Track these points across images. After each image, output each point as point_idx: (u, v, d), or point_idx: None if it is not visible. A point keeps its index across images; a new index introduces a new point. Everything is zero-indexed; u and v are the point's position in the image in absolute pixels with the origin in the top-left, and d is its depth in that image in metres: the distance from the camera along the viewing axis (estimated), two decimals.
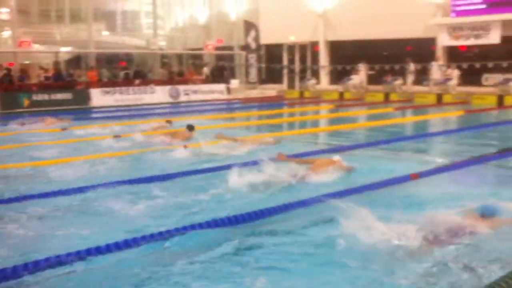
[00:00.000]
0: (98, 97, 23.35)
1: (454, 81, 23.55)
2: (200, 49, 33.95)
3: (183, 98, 25.36)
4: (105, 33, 37.02)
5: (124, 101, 23.58)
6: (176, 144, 11.05)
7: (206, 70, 30.10)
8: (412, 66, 24.92)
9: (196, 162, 9.30)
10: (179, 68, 32.49)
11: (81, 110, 21.29)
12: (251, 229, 5.58)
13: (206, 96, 25.96)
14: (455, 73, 23.58)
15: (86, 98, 23.18)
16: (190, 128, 12.02)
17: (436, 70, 24.41)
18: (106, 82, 25.53)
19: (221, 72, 30.12)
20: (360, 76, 26.71)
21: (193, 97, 25.54)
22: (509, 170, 8.44)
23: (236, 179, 7.31)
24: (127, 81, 25.95)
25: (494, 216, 5.53)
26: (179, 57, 39.15)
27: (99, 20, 35.84)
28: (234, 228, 5.63)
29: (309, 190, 6.95)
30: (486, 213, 5.52)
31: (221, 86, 27.24)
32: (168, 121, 14.44)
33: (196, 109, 20.75)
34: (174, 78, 27.92)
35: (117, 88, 24.20)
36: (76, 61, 32.41)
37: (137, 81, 25.66)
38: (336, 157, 8.20)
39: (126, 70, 28.20)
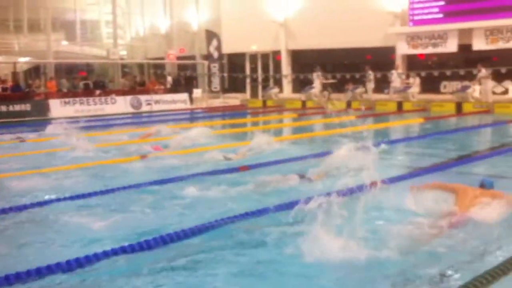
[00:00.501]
0: (58, 108, 22.88)
1: (415, 89, 23.94)
2: (162, 58, 33.74)
3: (145, 108, 25.07)
4: (65, 43, 36.47)
5: (84, 112, 23.13)
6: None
7: (170, 79, 29.94)
8: (371, 75, 25.27)
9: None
10: (141, 77, 32.22)
11: (39, 121, 20.80)
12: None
13: (168, 106, 25.73)
14: (417, 81, 23.98)
15: (45, 109, 22.69)
16: None
17: (395, 78, 24.83)
18: (65, 92, 25.09)
19: (189, 81, 29.94)
20: (316, 84, 27.01)
21: (155, 107, 25.28)
22: (469, 176, 8.57)
23: None
24: (87, 92, 25.54)
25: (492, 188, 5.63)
26: (140, 66, 38.87)
27: (58, 30, 35.33)
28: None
29: None
30: (486, 185, 5.66)
31: (184, 96, 27.06)
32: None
33: (158, 119, 20.51)
34: (135, 88, 27.64)
35: (77, 99, 23.80)
36: (35, 71, 31.82)
37: (97, 92, 25.29)
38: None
39: (86, 80, 27.77)
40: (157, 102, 25.68)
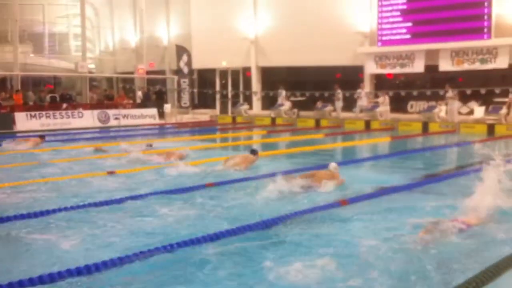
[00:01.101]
0: (23, 121, 22.46)
1: (386, 107, 24.18)
2: (131, 72, 33.49)
3: (112, 122, 24.79)
4: (32, 55, 35.89)
5: (50, 126, 22.75)
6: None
7: (140, 94, 29.68)
8: (340, 93, 25.52)
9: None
10: (109, 91, 31.89)
11: (4, 134, 20.35)
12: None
13: (137, 121, 25.50)
14: (386, 99, 24.24)
15: (10, 122, 22.23)
16: (254, 152, 11.62)
17: (362, 97, 25.11)
18: (31, 105, 24.63)
19: (159, 96, 29.68)
20: (281, 101, 27.20)
21: (124, 121, 25.02)
22: (433, 196, 8.64)
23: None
24: (54, 105, 25.13)
25: None
26: (109, 80, 38.52)
27: (26, 42, 34.76)
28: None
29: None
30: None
31: (153, 111, 26.86)
32: (149, 145, 14.69)
33: (126, 134, 20.27)
34: (103, 102, 27.32)
35: (43, 112, 23.39)
36: (1, 83, 31.18)
37: (64, 105, 24.90)
38: (333, 165, 9.45)
39: (53, 93, 27.34)
40: (125, 116, 25.43)
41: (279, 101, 27.28)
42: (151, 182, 9.72)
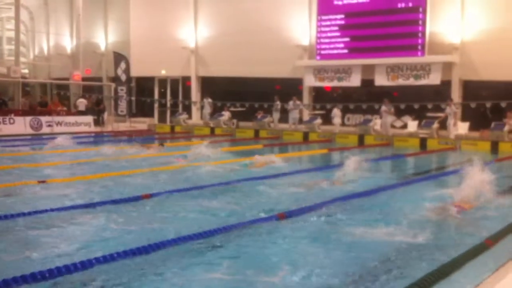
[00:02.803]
0: None
1: (337, 120, 24.33)
2: (66, 79, 32.59)
3: (45, 129, 23.92)
4: None
5: None
6: None
7: (80, 101, 28.74)
8: (279, 105, 25.71)
9: None
10: (43, 98, 30.84)
11: None
12: None
13: (71, 129, 24.68)
14: (338, 112, 24.39)
15: None
16: None
17: (294, 110, 25.27)
18: None
19: (98, 104, 28.97)
20: (205, 110, 27.25)
21: (57, 129, 24.18)
22: (363, 208, 8.74)
23: None
24: None
25: None
26: (43, 86, 37.29)
27: None
28: None
29: None
30: None
31: (88, 118, 26.15)
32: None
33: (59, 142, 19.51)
34: (36, 108, 26.36)
35: None
36: None
37: None
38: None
39: None
40: (58, 124, 24.59)
41: (205, 109, 27.32)
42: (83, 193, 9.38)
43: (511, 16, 21.85)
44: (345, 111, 25.22)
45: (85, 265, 5.32)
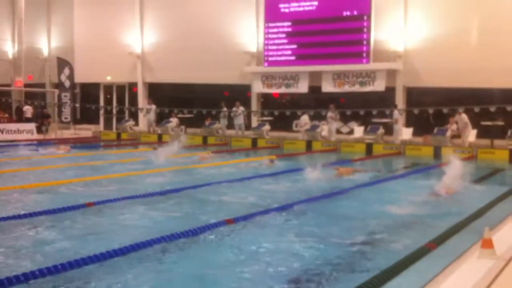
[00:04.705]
0: None
1: (307, 127, 24.21)
2: (8, 85, 31.53)
3: None
4: None
5: None
6: None
7: (27, 108, 27.75)
8: (226, 111, 25.63)
9: None
10: None
11: None
12: None
13: (12, 136, 23.85)
14: (306, 118, 24.32)
15: None
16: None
17: (238, 116, 25.23)
18: None
19: (41, 111, 28.10)
20: (148, 116, 27.03)
21: None
22: (310, 214, 8.78)
23: None
24: None
25: None
26: None
27: None
28: None
29: None
30: None
31: (30, 126, 25.33)
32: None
33: None
34: None
35: None
36: None
37: None
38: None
39: None
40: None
41: (152, 115, 27.05)
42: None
43: (452, 24, 22.59)
44: (293, 117, 25.32)
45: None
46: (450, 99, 22.11)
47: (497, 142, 20.32)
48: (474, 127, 20.87)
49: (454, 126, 20.89)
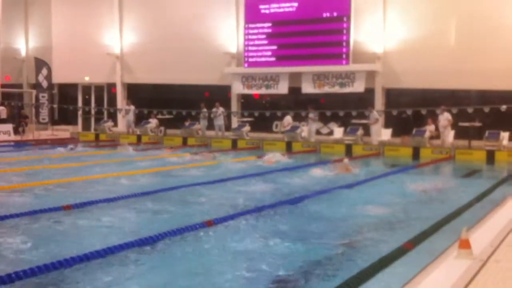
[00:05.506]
0: None
1: (300, 130, 24.16)
2: None
3: None
4: None
5: None
6: None
7: (1, 109, 27.31)
8: (206, 112, 25.54)
9: None
10: None
11: None
12: None
13: None
14: (290, 119, 24.22)
15: None
16: None
17: (218, 117, 25.15)
18: None
19: (18, 111, 27.65)
20: (127, 116, 26.90)
21: None
22: (295, 214, 8.78)
23: None
24: None
25: None
26: None
27: None
28: None
29: None
30: None
31: (7, 127, 24.97)
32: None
33: None
34: None
35: None
36: None
37: None
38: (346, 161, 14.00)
39: None
40: None
41: (130, 116, 26.87)
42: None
43: (430, 26, 22.82)
44: (273, 118, 25.35)
45: None
46: (428, 100, 22.33)
47: (474, 143, 20.56)
48: (452, 128, 21.10)
49: (432, 127, 21.10)
